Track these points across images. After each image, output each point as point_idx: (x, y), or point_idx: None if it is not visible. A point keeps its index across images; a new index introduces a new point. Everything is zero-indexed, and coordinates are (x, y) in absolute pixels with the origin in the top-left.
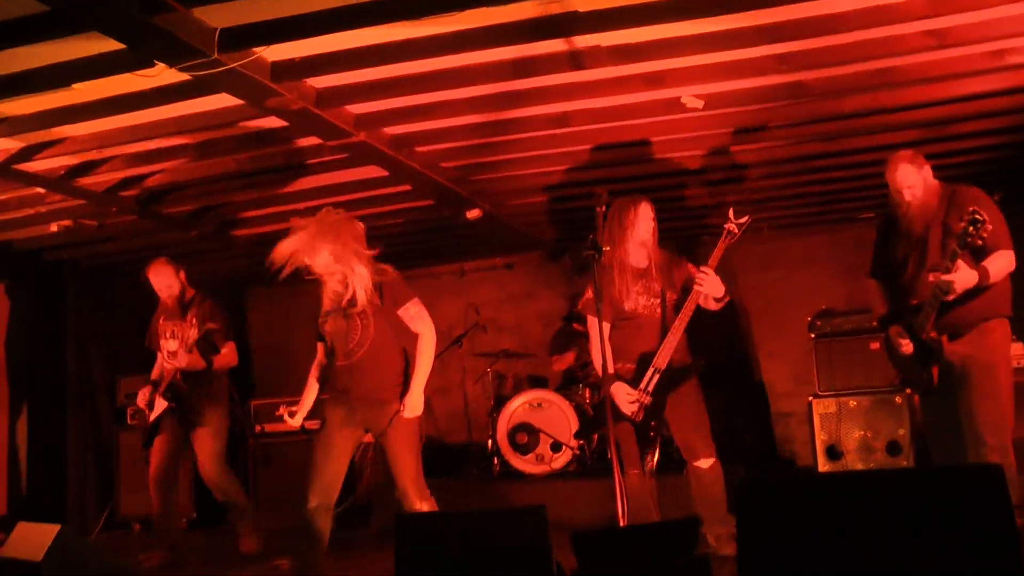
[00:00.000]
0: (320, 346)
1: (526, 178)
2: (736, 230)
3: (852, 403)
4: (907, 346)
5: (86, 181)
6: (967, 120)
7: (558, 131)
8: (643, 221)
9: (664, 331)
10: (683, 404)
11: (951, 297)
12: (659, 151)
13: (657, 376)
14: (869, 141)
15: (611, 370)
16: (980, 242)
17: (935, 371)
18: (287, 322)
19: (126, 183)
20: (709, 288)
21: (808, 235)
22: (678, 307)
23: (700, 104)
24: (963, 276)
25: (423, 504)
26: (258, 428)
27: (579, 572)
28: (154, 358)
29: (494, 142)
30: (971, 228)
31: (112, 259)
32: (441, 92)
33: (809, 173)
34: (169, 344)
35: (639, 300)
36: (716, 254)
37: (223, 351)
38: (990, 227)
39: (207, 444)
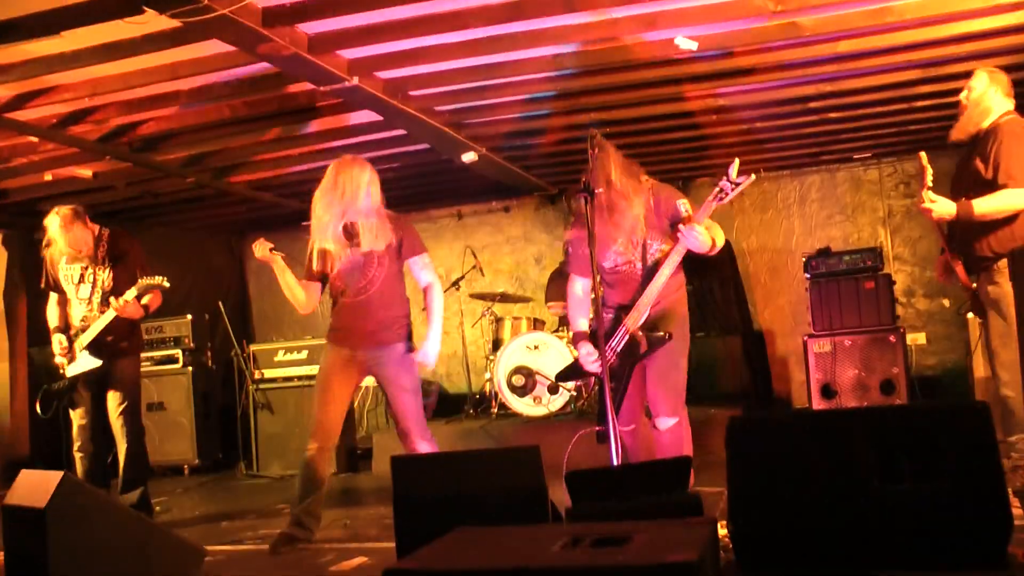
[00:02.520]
0: (315, 285)
1: (521, 121)
2: (728, 189)
3: (847, 342)
4: (940, 272)
5: (79, 129)
6: (964, 60)
7: (552, 73)
8: (603, 160)
9: (645, 283)
10: (658, 356)
11: (935, 221)
12: (653, 93)
13: (627, 338)
14: (864, 82)
15: (585, 327)
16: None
17: (969, 297)
18: None
19: (119, 131)
20: (691, 244)
21: (804, 176)
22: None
23: (694, 46)
24: (939, 207)
25: (424, 445)
26: (257, 374)
27: (573, 511)
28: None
29: (488, 85)
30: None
31: (108, 207)
32: (434, 35)
33: (805, 115)
34: (81, 290)
35: (617, 259)
36: (704, 209)
37: (152, 296)
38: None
39: (129, 397)
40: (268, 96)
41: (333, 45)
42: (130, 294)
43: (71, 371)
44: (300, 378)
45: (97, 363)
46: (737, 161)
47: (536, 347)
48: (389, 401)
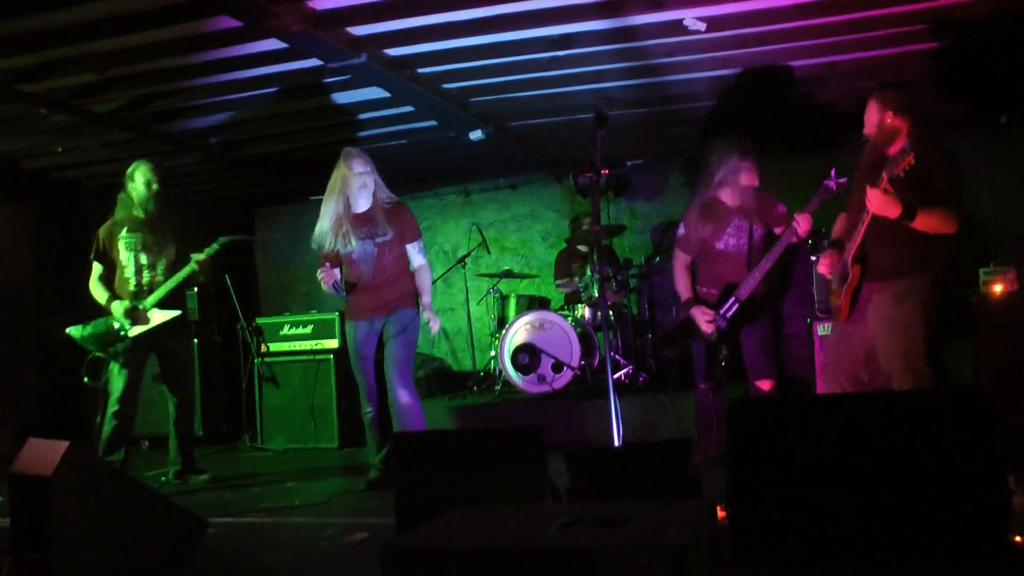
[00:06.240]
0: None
1: (528, 100)
2: (834, 187)
3: None
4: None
5: (89, 101)
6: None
7: (559, 53)
8: (741, 171)
9: (750, 264)
10: (755, 328)
11: (872, 210)
12: (662, 73)
13: (737, 306)
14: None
15: (690, 294)
16: (901, 172)
17: (846, 302)
18: (293, 242)
19: (128, 104)
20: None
21: (815, 156)
22: (766, 243)
23: (703, 27)
24: (884, 198)
25: (404, 394)
26: (263, 347)
27: (572, 489)
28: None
29: (496, 63)
30: (899, 156)
31: (116, 179)
32: (442, 13)
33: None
34: (142, 257)
35: (729, 240)
36: (810, 208)
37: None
38: (911, 161)
39: (186, 369)
40: (276, 71)
41: (341, 21)
42: (210, 250)
43: (136, 331)
44: (305, 352)
45: (177, 312)
46: (834, 167)
47: (541, 325)
48: (384, 350)
